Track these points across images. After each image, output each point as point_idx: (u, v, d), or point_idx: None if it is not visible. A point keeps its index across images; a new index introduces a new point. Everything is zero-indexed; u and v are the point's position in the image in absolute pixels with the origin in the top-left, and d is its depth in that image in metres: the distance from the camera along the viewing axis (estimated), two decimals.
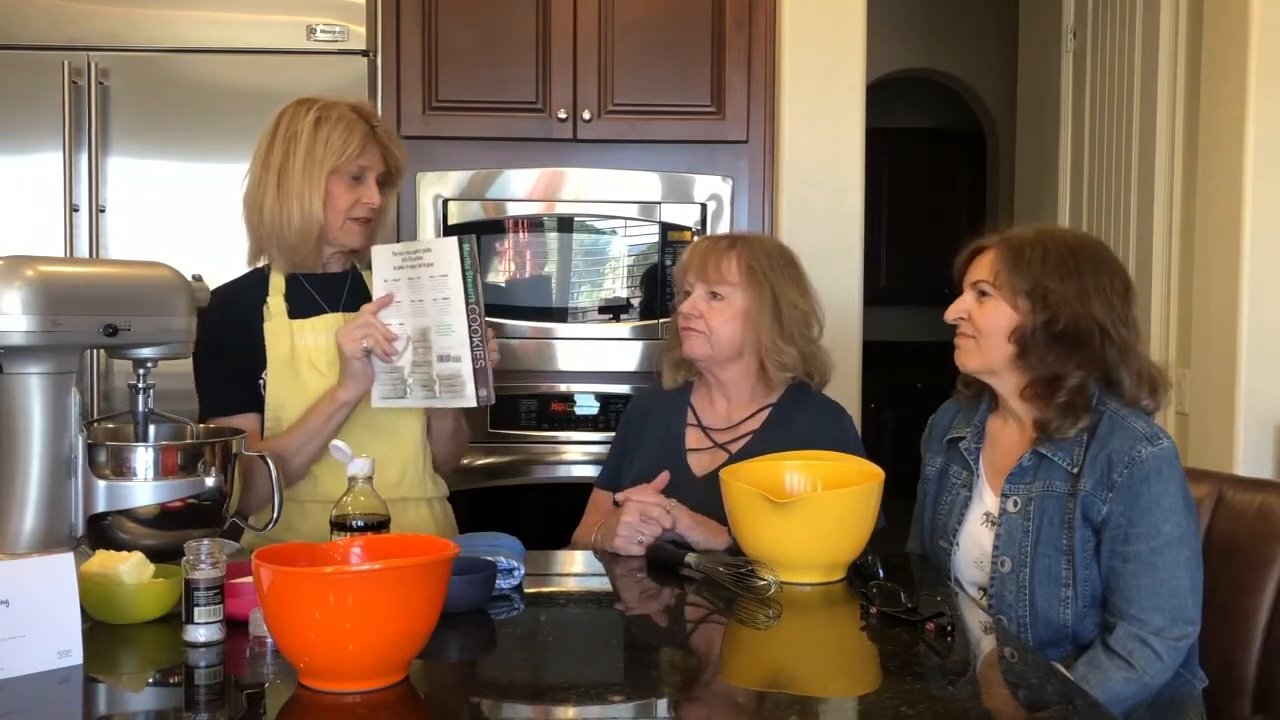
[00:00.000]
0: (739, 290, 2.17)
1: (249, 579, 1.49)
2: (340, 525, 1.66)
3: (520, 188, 3.12)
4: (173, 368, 1.87)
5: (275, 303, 2.12)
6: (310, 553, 1.45)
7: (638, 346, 3.12)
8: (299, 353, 2.09)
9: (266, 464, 1.85)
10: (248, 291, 2.14)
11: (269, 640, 1.45)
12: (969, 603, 1.83)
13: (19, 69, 2.96)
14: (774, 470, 1.98)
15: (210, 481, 1.77)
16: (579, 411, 3.12)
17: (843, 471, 1.96)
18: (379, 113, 2.62)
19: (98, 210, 2.98)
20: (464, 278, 1.95)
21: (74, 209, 2.97)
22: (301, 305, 2.12)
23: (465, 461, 2.32)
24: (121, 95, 2.99)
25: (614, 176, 3.13)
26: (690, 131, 3.15)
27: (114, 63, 2.98)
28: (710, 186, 3.13)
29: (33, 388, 1.64)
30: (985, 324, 1.88)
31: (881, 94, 5.29)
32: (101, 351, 2.67)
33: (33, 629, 1.40)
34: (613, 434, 2.41)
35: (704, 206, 3.12)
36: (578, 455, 3.11)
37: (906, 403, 5.83)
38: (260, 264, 2.17)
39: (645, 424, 2.29)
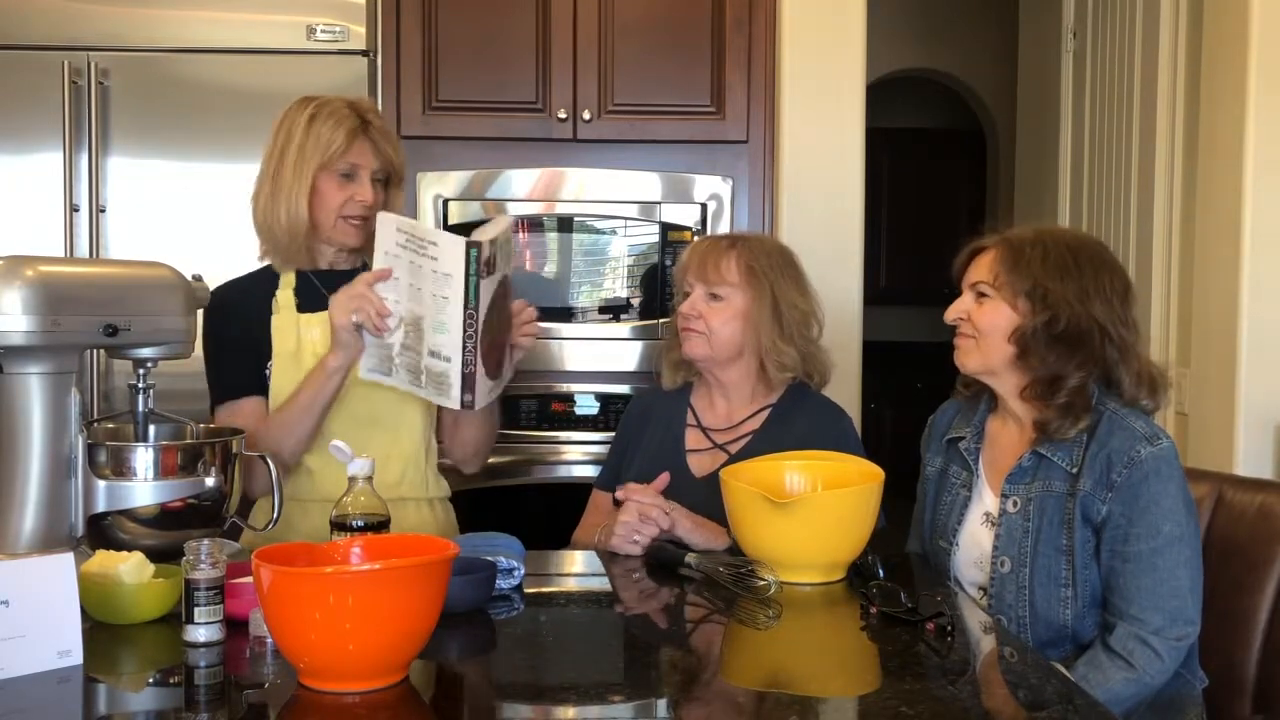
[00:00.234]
0: (739, 291, 2.17)
1: (249, 579, 1.49)
2: (340, 525, 1.66)
3: (520, 188, 3.12)
4: (173, 368, 1.87)
5: (284, 296, 2.13)
6: (310, 553, 1.45)
7: (638, 346, 3.12)
8: (304, 346, 2.09)
9: (267, 464, 1.85)
10: (258, 285, 2.15)
11: (269, 640, 1.45)
12: (969, 603, 1.83)
13: (19, 69, 2.96)
14: (774, 470, 1.98)
15: (210, 481, 1.77)
16: (579, 411, 3.12)
17: (843, 471, 1.96)
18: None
19: (98, 210, 2.98)
20: (466, 282, 1.90)
21: (74, 209, 2.98)
22: (310, 300, 2.12)
23: None
24: (121, 95, 2.99)
25: (614, 176, 3.13)
26: (690, 131, 3.15)
27: (114, 63, 2.98)
28: (710, 186, 3.13)
29: (33, 388, 1.64)
30: (984, 324, 1.88)
31: (881, 94, 5.29)
32: (101, 351, 2.66)
33: (33, 629, 1.40)
34: (613, 434, 2.41)
35: (704, 206, 3.12)
36: (578, 455, 3.11)
37: (906, 403, 5.83)
38: (270, 261, 2.18)
39: (645, 424, 2.29)
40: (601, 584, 1.93)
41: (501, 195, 3.11)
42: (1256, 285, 2.81)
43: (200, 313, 1.88)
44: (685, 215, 3.12)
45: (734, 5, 3.13)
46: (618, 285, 3.15)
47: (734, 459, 2.12)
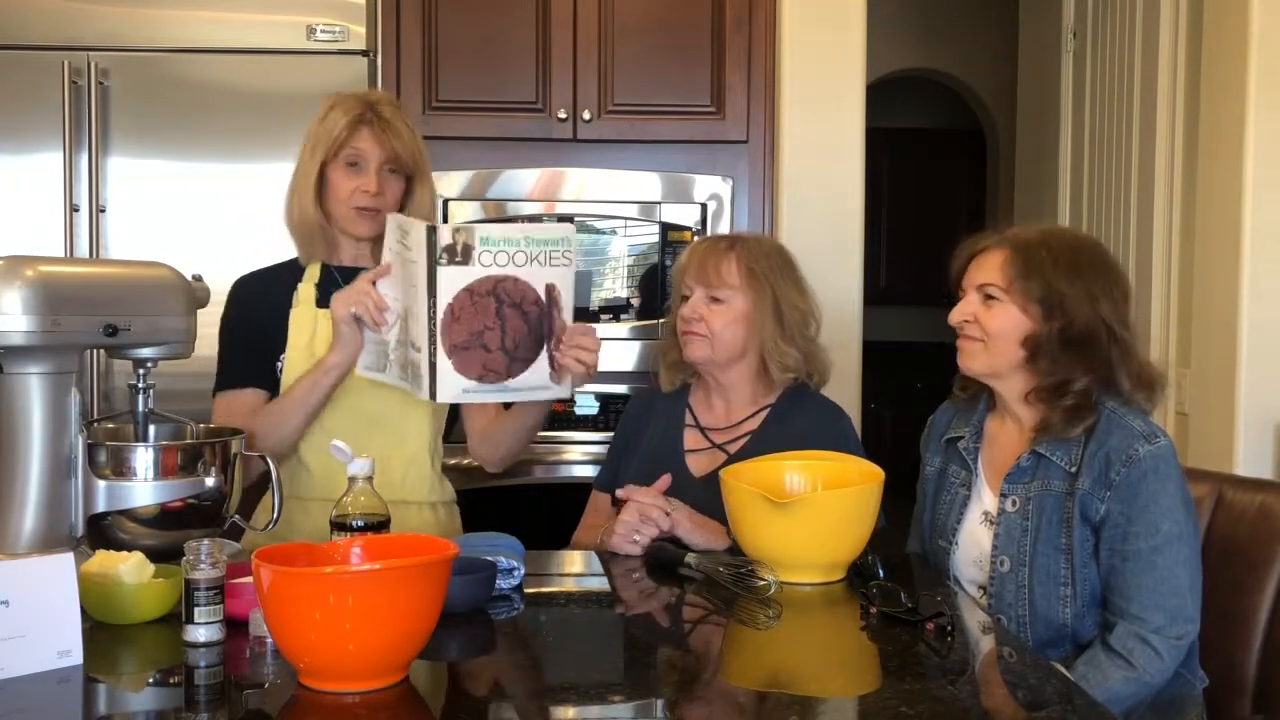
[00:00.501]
0: (739, 293, 2.17)
1: (249, 579, 1.49)
2: (340, 525, 1.66)
3: (520, 188, 3.12)
4: (173, 368, 1.87)
5: (305, 290, 2.14)
6: (310, 553, 1.45)
7: (637, 346, 3.12)
8: (319, 340, 2.09)
9: (267, 464, 1.85)
10: (281, 276, 2.17)
11: (269, 640, 1.45)
12: (969, 603, 1.83)
13: (19, 69, 2.96)
14: (774, 470, 1.98)
15: (210, 481, 1.77)
16: (579, 411, 3.12)
17: (843, 471, 1.96)
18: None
19: (98, 210, 2.98)
20: (429, 270, 1.83)
21: (74, 209, 2.98)
22: (329, 295, 2.12)
23: (465, 461, 2.31)
24: (121, 95, 2.99)
25: (614, 176, 3.13)
26: (690, 131, 3.15)
27: (114, 63, 2.98)
28: (710, 186, 3.13)
29: (33, 388, 1.64)
30: (994, 328, 1.87)
31: (881, 94, 5.29)
32: (101, 351, 2.67)
33: (33, 629, 1.40)
34: (612, 434, 2.41)
35: (704, 206, 3.12)
36: (578, 455, 3.11)
37: (906, 403, 5.83)
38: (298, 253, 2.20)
39: (643, 425, 2.29)
40: (601, 584, 1.93)
41: (501, 195, 3.11)
42: (1256, 285, 2.81)
43: (200, 310, 1.88)
44: (685, 215, 3.12)
45: (734, 5, 3.13)
46: (618, 285, 3.15)
47: (733, 459, 2.12)
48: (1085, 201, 3.78)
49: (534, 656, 1.56)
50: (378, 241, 2.12)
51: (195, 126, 3.01)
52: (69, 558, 1.48)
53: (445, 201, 3.09)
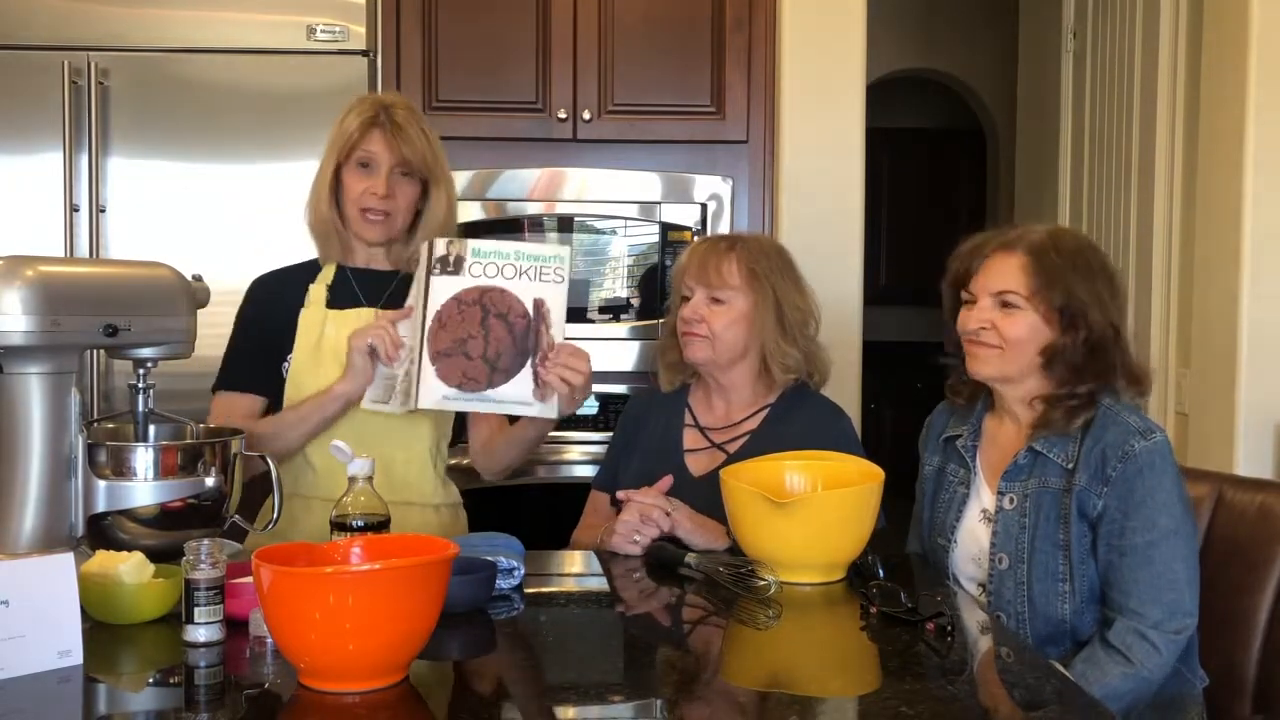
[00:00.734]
0: (740, 293, 2.17)
1: (249, 579, 1.49)
2: (340, 525, 1.66)
3: (520, 188, 3.12)
4: (173, 368, 1.87)
5: (317, 291, 2.14)
6: (310, 553, 1.45)
7: (637, 346, 3.12)
8: (326, 342, 2.09)
9: (268, 464, 1.85)
10: (295, 277, 2.17)
11: (269, 640, 1.45)
12: (968, 602, 1.83)
13: (19, 69, 2.96)
14: (774, 470, 1.98)
15: (210, 481, 1.77)
16: (579, 411, 3.11)
17: (843, 471, 1.96)
18: None
19: (98, 210, 2.98)
20: (425, 280, 1.90)
21: (74, 209, 2.98)
22: (341, 297, 2.13)
23: (465, 462, 2.31)
24: (121, 95, 2.99)
25: (614, 176, 3.13)
26: (690, 131, 3.15)
27: (114, 63, 2.98)
28: (710, 186, 3.13)
29: (33, 388, 1.64)
30: (1014, 335, 1.87)
31: (881, 94, 5.29)
32: (101, 351, 2.67)
33: (33, 629, 1.40)
34: (612, 434, 2.41)
35: (704, 206, 3.12)
36: (577, 455, 3.11)
37: (906, 403, 5.82)
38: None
39: (643, 424, 2.29)
40: (601, 584, 1.93)
41: (502, 195, 3.11)
42: (1256, 285, 2.81)
43: (200, 310, 1.88)
44: (685, 215, 3.12)
45: (734, 5, 3.13)
46: (617, 285, 3.15)
47: (732, 459, 2.12)
48: (1085, 201, 3.78)
49: (534, 656, 1.56)
50: (381, 243, 2.12)
51: (195, 126, 3.00)
52: (69, 558, 1.48)
53: None
